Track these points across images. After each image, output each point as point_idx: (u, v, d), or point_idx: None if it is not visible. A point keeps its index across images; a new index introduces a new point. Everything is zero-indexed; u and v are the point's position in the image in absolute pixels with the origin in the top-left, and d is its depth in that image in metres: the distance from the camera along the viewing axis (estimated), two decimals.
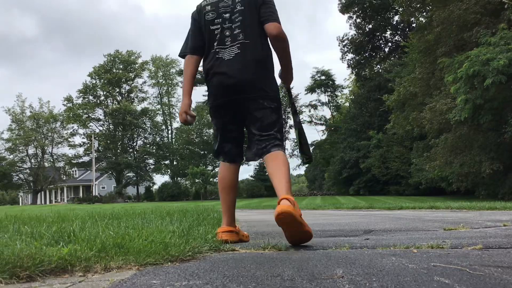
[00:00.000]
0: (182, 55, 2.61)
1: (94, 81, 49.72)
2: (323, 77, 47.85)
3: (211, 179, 40.83)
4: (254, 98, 2.42)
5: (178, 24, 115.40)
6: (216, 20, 2.48)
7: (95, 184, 48.92)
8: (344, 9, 36.57)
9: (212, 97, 2.54)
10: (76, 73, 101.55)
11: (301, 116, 50.31)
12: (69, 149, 51.07)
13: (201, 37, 2.54)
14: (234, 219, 2.65)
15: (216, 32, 2.48)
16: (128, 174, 49.39)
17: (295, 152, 49.70)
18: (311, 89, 48.50)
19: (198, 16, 2.55)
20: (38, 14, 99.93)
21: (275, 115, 2.47)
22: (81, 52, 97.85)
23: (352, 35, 38.75)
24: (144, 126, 50.57)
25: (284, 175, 2.38)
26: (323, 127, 49.50)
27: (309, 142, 51.41)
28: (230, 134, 2.57)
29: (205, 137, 46.18)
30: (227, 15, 2.46)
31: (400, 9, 25.51)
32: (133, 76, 51.13)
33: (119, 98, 50.44)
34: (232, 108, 2.48)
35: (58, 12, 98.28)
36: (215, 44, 2.47)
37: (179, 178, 47.04)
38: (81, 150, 49.95)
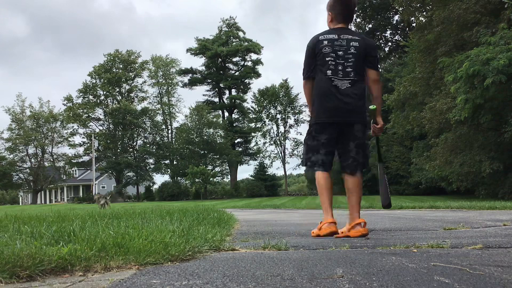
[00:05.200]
0: (306, 77, 3.18)
1: (94, 81, 49.65)
2: None
3: (211, 179, 40.80)
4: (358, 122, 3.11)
5: (171, 24, 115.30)
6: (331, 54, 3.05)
7: (95, 184, 48.87)
8: None
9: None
10: (69, 73, 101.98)
11: (301, 116, 50.43)
12: (69, 148, 51.01)
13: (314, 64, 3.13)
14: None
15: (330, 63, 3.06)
16: (128, 174, 49.34)
17: (295, 152, 49.66)
18: None
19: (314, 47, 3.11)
20: (28, 14, 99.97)
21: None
22: (73, 52, 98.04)
23: None
24: (144, 125, 50.49)
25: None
26: None
27: None
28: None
29: (205, 137, 46.15)
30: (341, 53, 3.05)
31: (400, 9, 25.46)
32: (133, 75, 51.05)
33: (119, 97, 50.36)
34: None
35: (48, 11, 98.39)
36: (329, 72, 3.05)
37: (179, 178, 46.99)
38: (81, 149, 49.91)
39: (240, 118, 52.78)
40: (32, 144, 49.90)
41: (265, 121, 49.64)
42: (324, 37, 3.08)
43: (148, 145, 50.25)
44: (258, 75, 52.85)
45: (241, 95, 52.47)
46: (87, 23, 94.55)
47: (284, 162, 48.84)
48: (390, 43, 39.56)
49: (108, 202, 14.69)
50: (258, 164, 48.68)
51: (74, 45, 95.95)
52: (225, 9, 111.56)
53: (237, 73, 52.42)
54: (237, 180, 50.26)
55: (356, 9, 3.17)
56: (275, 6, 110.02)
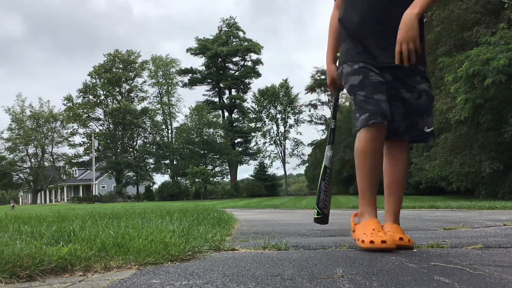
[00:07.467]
0: None
1: (94, 81, 49.69)
2: (323, 77, 47.85)
3: (211, 179, 40.83)
4: None
5: (168, 24, 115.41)
6: None
7: (95, 184, 48.89)
8: None
9: None
10: (67, 73, 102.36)
11: (300, 116, 50.39)
12: (69, 148, 51.12)
13: None
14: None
15: None
16: (128, 174, 49.35)
17: (295, 152, 49.63)
18: (311, 89, 48.50)
19: None
20: (24, 14, 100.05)
21: None
22: (70, 52, 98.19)
23: None
24: (144, 125, 50.51)
25: None
26: (323, 127, 49.51)
27: (310, 141, 51.50)
28: None
29: (205, 137, 46.15)
30: None
31: None
32: (133, 75, 51.06)
33: (119, 97, 50.38)
34: None
35: (45, 11, 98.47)
36: None
37: (179, 178, 47.01)
38: (81, 149, 49.96)
39: (240, 118, 52.80)
40: (32, 144, 49.93)
41: (265, 121, 49.68)
42: None
43: (148, 145, 50.27)
44: (258, 75, 52.88)
45: (241, 95, 52.48)
46: (84, 23, 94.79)
47: (284, 162, 48.88)
48: None
49: (15, 205, 24.61)
50: (258, 164, 48.74)
51: (71, 45, 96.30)
52: (221, 9, 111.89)
53: (237, 73, 52.44)
54: (237, 180, 50.27)
55: None
56: (271, 6, 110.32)
